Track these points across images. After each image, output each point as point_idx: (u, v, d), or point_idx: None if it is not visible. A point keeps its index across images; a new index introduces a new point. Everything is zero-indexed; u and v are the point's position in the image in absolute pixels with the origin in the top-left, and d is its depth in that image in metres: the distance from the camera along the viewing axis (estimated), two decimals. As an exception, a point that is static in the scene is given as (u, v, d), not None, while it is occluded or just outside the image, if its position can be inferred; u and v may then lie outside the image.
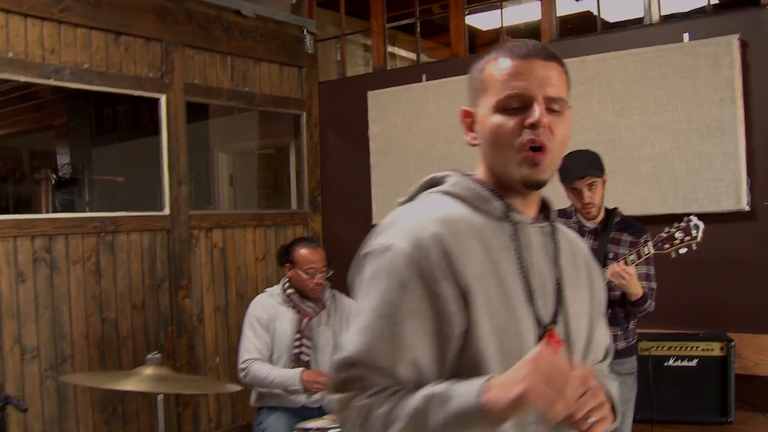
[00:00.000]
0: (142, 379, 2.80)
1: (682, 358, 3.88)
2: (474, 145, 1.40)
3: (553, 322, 1.36)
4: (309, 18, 5.59)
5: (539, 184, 1.34)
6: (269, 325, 3.67)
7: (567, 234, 1.51)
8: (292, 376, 3.51)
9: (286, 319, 3.68)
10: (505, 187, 1.37)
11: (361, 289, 1.29)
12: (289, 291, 3.72)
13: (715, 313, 4.11)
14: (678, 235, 3.10)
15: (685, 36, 4.20)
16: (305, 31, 5.49)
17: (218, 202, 6.06)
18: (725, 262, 4.12)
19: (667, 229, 3.15)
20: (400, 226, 1.30)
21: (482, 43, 6.07)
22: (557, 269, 1.40)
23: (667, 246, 3.12)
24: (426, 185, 1.44)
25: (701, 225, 3.07)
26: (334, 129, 5.61)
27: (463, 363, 1.25)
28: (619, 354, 3.36)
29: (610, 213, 3.45)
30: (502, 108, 1.32)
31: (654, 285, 3.35)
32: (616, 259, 3.25)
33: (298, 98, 5.52)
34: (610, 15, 5.43)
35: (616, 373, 3.34)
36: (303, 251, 3.72)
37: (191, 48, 4.75)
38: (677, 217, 4.15)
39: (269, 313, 3.69)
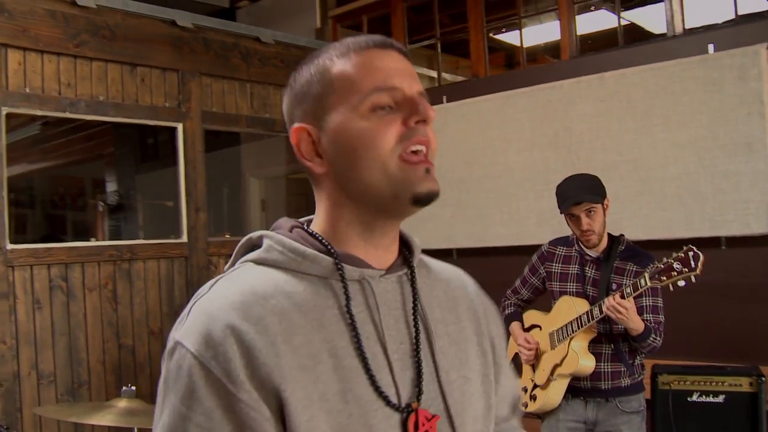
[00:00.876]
0: (115, 413, 2.78)
1: (708, 393, 3.60)
2: (321, 174, 1.07)
3: (418, 397, 1.04)
4: (333, 42, 5.57)
5: (433, 196, 1.04)
6: None
7: (443, 275, 1.21)
8: None
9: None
10: (355, 227, 1.07)
11: (157, 398, 1.00)
12: None
13: (744, 345, 3.84)
14: (676, 266, 2.88)
15: (710, 47, 3.98)
16: (330, 55, 5.46)
17: (250, 228, 6.08)
18: (756, 289, 3.85)
19: (665, 260, 2.93)
20: (192, 316, 0.99)
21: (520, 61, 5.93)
22: (422, 327, 1.09)
23: (664, 278, 2.91)
24: (243, 250, 1.12)
25: (701, 256, 2.84)
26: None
27: None
28: (623, 391, 3.17)
29: (615, 240, 3.26)
30: (369, 109, 1.01)
31: (661, 318, 3.13)
32: (621, 294, 3.06)
33: (323, 123, 5.49)
34: (644, 27, 5.23)
35: (621, 411, 3.15)
36: None
37: (208, 76, 4.81)
38: (704, 241, 3.94)
39: None
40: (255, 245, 1.09)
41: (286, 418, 0.93)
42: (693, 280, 2.85)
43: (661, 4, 4.28)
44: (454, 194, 4.88)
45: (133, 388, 2.90)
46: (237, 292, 0.99)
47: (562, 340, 3.20)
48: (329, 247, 1.05)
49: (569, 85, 4.40)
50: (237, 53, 4.96)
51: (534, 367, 3.37)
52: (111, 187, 7.29)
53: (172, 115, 4.60)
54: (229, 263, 1.12)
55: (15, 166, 8.23)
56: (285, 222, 1.12)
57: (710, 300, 3.92)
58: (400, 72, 1.03)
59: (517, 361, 3.49)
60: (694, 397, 3.62)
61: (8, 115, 6.37)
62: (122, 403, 2.84)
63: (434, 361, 1.07)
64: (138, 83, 4.46)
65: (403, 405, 1.01)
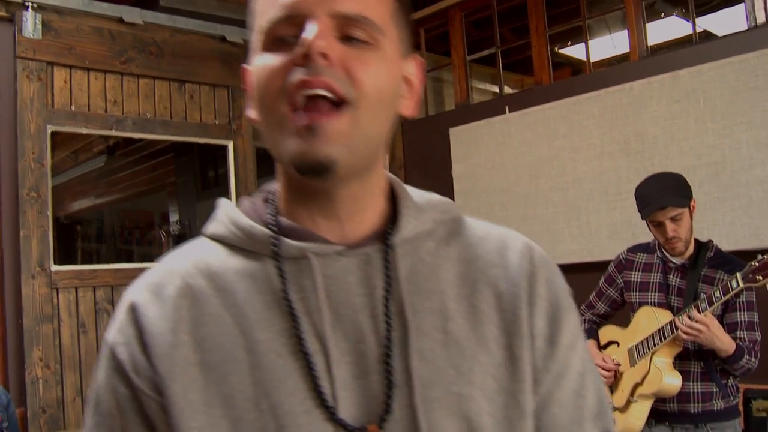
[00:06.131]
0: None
1: (811, 419, 3.19)
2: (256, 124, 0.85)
3: (385, 416, 0.77)
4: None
5: (319, 167, 0.76)
6: None
7: (471, 247, 0.88)
8: None
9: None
10: (301, 191, 0.83)
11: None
12: None
13: None
14: None
15: (798, 35, 3.61)
16: (387, 70, 5.28)
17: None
18: None
19: (759, 257, 2.56)
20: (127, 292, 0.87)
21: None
22: (396, 321, 0.80)
23: (760, 277, 2.53)
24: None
25: None
26: (418, 170, 5.34)
27: None
28: (716, 416, 2.77)
29: (702, 246, 2.89)
30: (269, 42, 0.78)
31: (757, 336, 2.72)
32: (709, 299, 2.69)
33: (381, 140, 5.29)
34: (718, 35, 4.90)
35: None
36: None
37: (260, 93, 4.66)
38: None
39: None
40: None
41: (170, 422, 0.76)
42: (793, 276, 2.47)
43: (733, 8, 3.95)
44: (519, 209, 4.58)
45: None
46: (160, 268, 0.85)
47: (642, 355, 2.84)
48: (274, 217, 0.84)
49: (640, 86, 4.07)
50: (289, 69, 4.81)
51: (612, 388, 3.01)
52: (173, 216, 7.26)
53: (222, 133, 4.47)
54: None
55: (83, 199, 8.33)
56: (268, 185, 0.91)
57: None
58: None
59: (589, 384, 3.14)
60: (795, 425, 3.20)
61: (78, 149, 6.38)
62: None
63: (408, 369, 0.78)
64: (186, 100, 4.35)
65: (354, 425, 0.76)
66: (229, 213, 0.87)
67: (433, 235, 0.87)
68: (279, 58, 0.77)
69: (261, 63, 0.78)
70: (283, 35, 0.77)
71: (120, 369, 0.79)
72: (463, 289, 0.84)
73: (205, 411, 0.76)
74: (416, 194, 0.89)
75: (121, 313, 0.82)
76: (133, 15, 4.15)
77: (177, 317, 0.79)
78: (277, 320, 0.79)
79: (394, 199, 0.88)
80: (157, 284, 0.82)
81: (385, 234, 0.84)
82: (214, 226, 0.88)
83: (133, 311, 0.81)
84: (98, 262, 8.54)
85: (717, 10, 5.11)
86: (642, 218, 2.87)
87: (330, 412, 0.75)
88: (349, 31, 0.77)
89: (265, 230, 0.82)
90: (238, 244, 0.84)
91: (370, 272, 0.81)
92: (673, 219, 2.77)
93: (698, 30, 4.52)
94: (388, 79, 0.79)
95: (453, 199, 4.88)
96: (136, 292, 0.83)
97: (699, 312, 2.61)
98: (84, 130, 4.01)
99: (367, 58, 0.77)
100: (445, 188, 4.99)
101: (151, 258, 8.23)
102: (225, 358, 0.77)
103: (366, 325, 0.79)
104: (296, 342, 0.77)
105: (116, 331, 0.82)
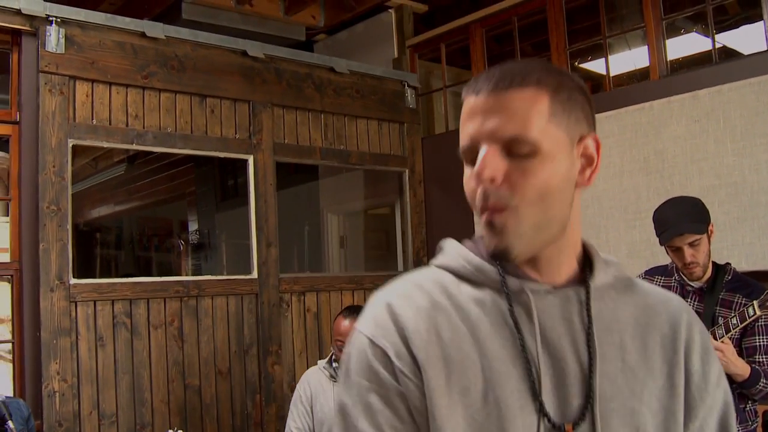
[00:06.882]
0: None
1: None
2: None
3: (579, 420, 1.02)
4: (411, 72, 5.40)
5: (502, 255, 1.04)
6: (311, 403, 3.37)
7: (643, 300, 1.15)
8: None
9: (329, 396, 3.35)
10: None
11: (340, 378, 1.12)
12: (335, 364, 3.39)
13: None
14: None
15: (819, 58, 3.57)
16: (406, 85, 5.29)
17: (329, 265, 5.90)
18: None
19: (777, 285, 2.55)
20: (368, 306, 1.11)
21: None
22: (591, 347, 1.06)
23: None
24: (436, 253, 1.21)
25: None
26: (439, 186, 5.32)
27: None
28: (733, 441, 2.75)
29: (720, 269, 2.87)
30: (466, 159, 1.07)
31: None
32: (726, 326, 2.67)
33: (400, 155, 5.29)
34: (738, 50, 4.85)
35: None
36: (341, 321, 3.36)
37: (280, 107, 4.68)
38: (820, 273, 3.48)
39: (313, 389, 3.39)
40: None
41: (427, 399, 0.99)
42: (813, 306, 2.45)
43: (754, 25, 3.91)
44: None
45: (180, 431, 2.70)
46: (405, 283, 1.10)
47: (657, 382, 2.82)
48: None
49: (659, 105, 4.05)
50: (310, 83, 4.83)
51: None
52: (193, 226, 7.29)
53: (242, 147, 4.49)
54: None
55: (103, 207, 8.40)
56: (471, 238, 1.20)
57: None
58: (479, 120, 1.03)
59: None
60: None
61: (99, 157, 6.45)
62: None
63: (594, 386, 1.04)
64: (207, 114, 4.37)
65: (557, 422, 1.01)
66: (460, 251, 1.13)
67: (614, 286, 1.13)
68: (471, 174, 1.04)
69: (466, 175, 1.07)
70: (471, 157, 1.04)
71: (382, 355, 1.02)
72: (637, 329, 1.11)
73: (447, 395, 1.00)
74: (601, 254, 1.15)
75: (378, 312, 1.06)
76: (156, 29, 4.18)
77: (427, 320, 1.04)
78: (502, 335, 1.04)
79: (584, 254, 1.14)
80: (408, 294, 1.07)
81: (579, 280, 1.10)
82: (445, 259, 1.14)
83: (392, 310, 1.05)
84: (117, 269, 8.62)
85: (737, 27, 5.08)
86: (660, 243, 2.85)
87: (541, 408, 1.00)
88: (511, 148, 1.00)
89: (494, 268, 1.08)
90: (467, 275, 1.10)
91: (569, 309, 1.08)
92: (691, 244, 2.75)
93: (718, 46, 4.49)
94: (549, 176, 1.01)
95: (473, 216, 4.88)
96: (390, 297, 1.07)
97: (716, 339, 2.59)
98: (105, 144, 4.04)
99: (527, 168, 1.00)
100: (464, 203, 4.97)
101: (169, 267, 8.30)
102: (463, 357, 1.02)
103: (566, 348, 1.05)
104: (518, 353, 1.03)
105: (374, 326, 1.04)
